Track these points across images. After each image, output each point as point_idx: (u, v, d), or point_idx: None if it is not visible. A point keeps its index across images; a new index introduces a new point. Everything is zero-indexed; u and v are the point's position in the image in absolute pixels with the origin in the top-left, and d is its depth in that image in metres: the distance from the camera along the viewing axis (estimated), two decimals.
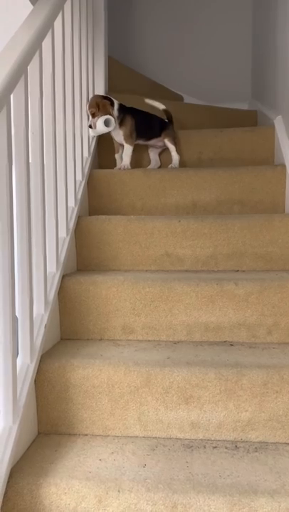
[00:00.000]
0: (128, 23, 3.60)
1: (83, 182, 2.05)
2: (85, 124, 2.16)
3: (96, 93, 2.35)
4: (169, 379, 1.33)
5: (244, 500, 1.06)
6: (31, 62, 1.39)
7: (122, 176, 2.11)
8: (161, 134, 2.28)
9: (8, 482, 1.12)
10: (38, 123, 1.46)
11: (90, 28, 2.27)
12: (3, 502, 1.11)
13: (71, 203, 1.86)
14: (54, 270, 1.60)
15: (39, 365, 1.38)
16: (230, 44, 3.48)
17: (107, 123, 2.12)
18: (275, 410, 1.31)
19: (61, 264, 1.65)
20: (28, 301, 1.33)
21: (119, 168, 2.18)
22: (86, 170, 2.10)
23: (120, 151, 2.26)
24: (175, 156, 2.29)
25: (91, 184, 2.12)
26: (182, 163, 2.32)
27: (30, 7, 1.78)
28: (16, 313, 1.27)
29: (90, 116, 2.14)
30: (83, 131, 2.12)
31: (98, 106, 2.11)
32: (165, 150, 2.33)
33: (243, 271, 1.79)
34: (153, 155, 2.36)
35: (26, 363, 1.32)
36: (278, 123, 2.31)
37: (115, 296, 1.61)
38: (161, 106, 2.35)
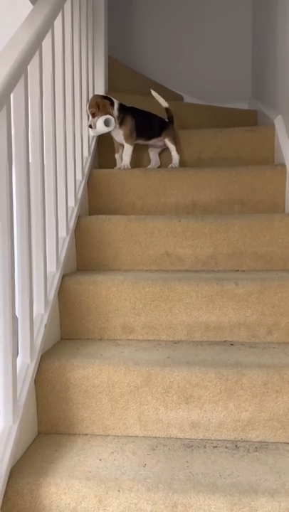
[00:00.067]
0: (128, 23, 3.60)
1: (83, 182, 2.05)
2: (85, 123, 2.15)
3: (96, 93, 2.35)
4: (169, 379, 1.33)
5: (244, 499, 1.06)
6: (31, 62, 1.39)
7: (122, 176, 2.11)
8: (161, 133, 2.28)
9: (8, 482, 1.12)
10: (38, 123, 1.46)
11: (90, 27, 2.27)
12: (3, 502, 1.11)
13: (71, 202, 1.86)
14: (54, 270, 1.60)
15: (39, 365, 1.38)
16: (230, 44, 3.48)
17: (107, 123, 2.12)
18: (275, 410, 1.31)
19: (61, 264, 1.65)
20: (28, 301, 1.33)
21: (119, 168, 2.18)
22: (86, 170, 2.10)
23: (120, 150, 2.26)
24: (175, 156, 2.28)
25: (91, 184, 2.12)
26: (182, 163, 2.32)
27: (30, 7, 1.78)
28: (16, 313, 1.27)
29: (90, 116, 2.14)
30: (83, 131, 2.12)
31: (98, 106, 2.11)
32: (165, 150, 2.33)
33: (243, 270, 1.79)
34: (153, 155, 2.35)
35: (26, 362, 1.32)
36: (278, 123, 2.31)
37: (115, 296, 1.61)
38: (164, 103, 2.34)
